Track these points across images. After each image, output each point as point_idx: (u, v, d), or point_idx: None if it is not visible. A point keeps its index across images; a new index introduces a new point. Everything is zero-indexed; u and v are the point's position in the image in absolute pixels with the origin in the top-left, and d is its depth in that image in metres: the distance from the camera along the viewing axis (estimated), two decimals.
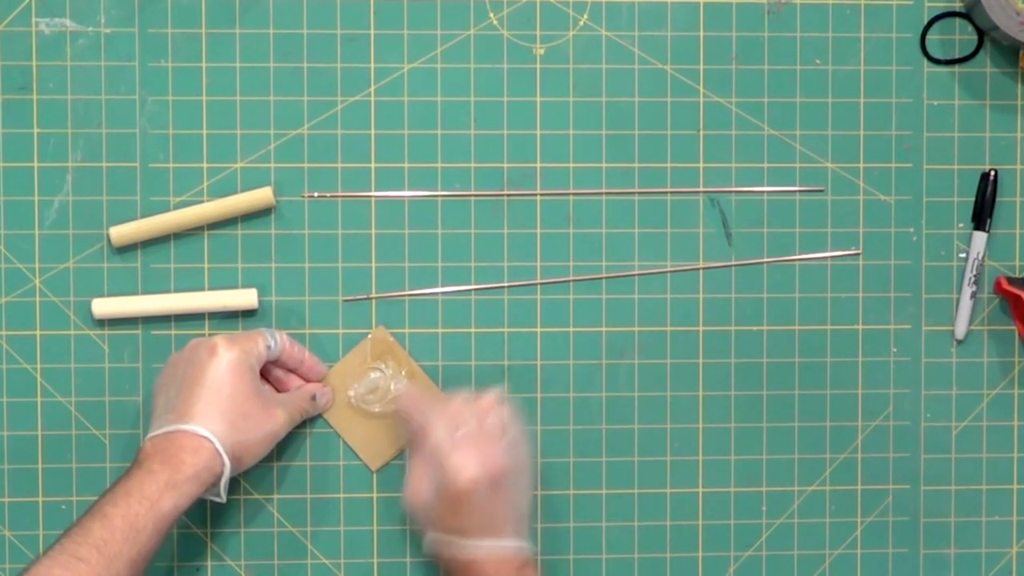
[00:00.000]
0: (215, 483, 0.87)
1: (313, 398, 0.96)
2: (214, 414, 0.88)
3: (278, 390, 0.97)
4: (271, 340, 0.93)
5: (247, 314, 0.97)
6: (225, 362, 0.89)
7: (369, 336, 0.98)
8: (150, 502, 0.84)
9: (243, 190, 0.97)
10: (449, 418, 0.91)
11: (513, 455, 0.91)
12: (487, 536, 0.89)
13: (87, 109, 0.97)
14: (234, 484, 0.97)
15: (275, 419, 0.91)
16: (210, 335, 0.95)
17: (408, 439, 0.95)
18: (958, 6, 1.00)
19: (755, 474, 1.01)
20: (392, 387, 0.98)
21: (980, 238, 1.00)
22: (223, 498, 0.89)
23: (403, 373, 0.98)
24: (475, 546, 0.89)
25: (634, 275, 1.00)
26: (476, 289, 0.99)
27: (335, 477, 0.98)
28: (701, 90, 1.00)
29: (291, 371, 0.97)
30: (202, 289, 0.97)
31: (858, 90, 1.00)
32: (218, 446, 0.87)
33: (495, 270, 0.99)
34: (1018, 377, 1.02)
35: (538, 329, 0.99)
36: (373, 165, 0.98)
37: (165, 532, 0.85)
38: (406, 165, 0.98)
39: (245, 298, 0.96)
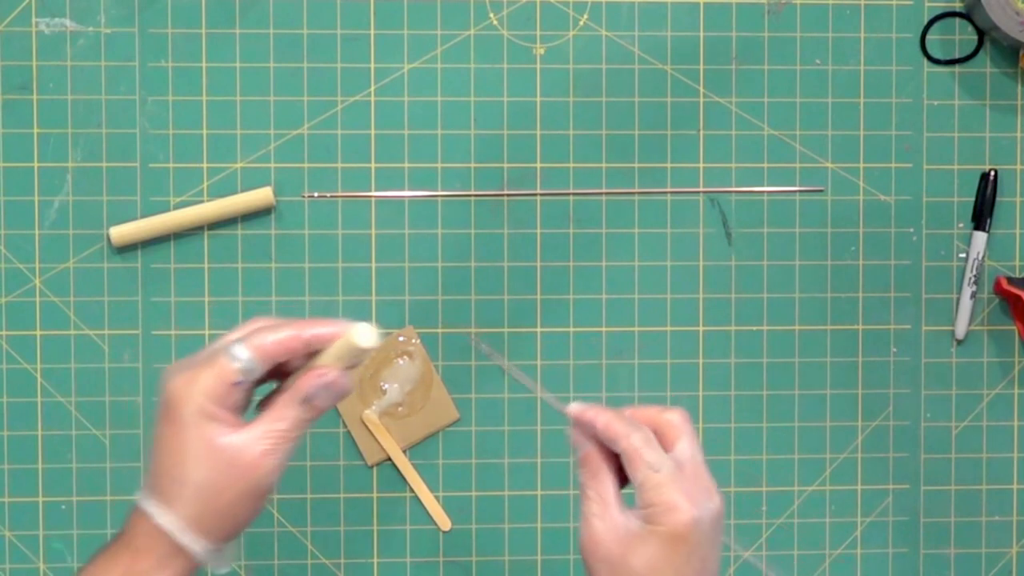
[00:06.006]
0: (200, 562, 0.71)
1: (308, 400, 0.72)
2: (173, 491, 0.70)
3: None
4: (238, 366, 0.70)
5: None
6: (172, 421, 0.71)
7: (395, 333, 0.98)
8: None
9: (243, 190, 0.97)
10: (653, 439, 0.72)
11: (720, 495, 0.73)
12: None
13: (87, 109, 0.97)
14: None
15: (245, 475, 0.71)
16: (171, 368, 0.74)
17: (580, 460, 0.73)
18: (958, 6, 1.00)
19: (755, 474, 1.01)
20: (406, 392, 0.98)
21: (980, 238, 1.00)
22: (224, 568, 0.73)
23: (419, 378, 0.98)
24: None
25: (634, 275, 1.00)
26: (476, 289, 0.99)
27: (335, 477, 0.98)
28: (701, 90, 1.00)
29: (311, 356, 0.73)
30: (202, 290, 0.97)
31: (858, 90, 1.00)
32: (178, 532, 0.70)
33: (495, 270, 0.99)
34: (1018, 377, 1.02)
35: (538, 329, 0.99)
36: (373, 165, 0.98)
37: None
38: (406, 165, 0.98)
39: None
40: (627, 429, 0.71)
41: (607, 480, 0.72)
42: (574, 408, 0.73)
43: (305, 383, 0.72)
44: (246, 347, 0.71)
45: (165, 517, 0.70)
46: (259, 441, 0.71)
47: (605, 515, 0.71)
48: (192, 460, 0.70)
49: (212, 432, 0.70)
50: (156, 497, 0.71)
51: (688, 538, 0.69)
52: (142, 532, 0.71)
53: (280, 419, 0.71)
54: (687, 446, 0.72)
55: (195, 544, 0.70)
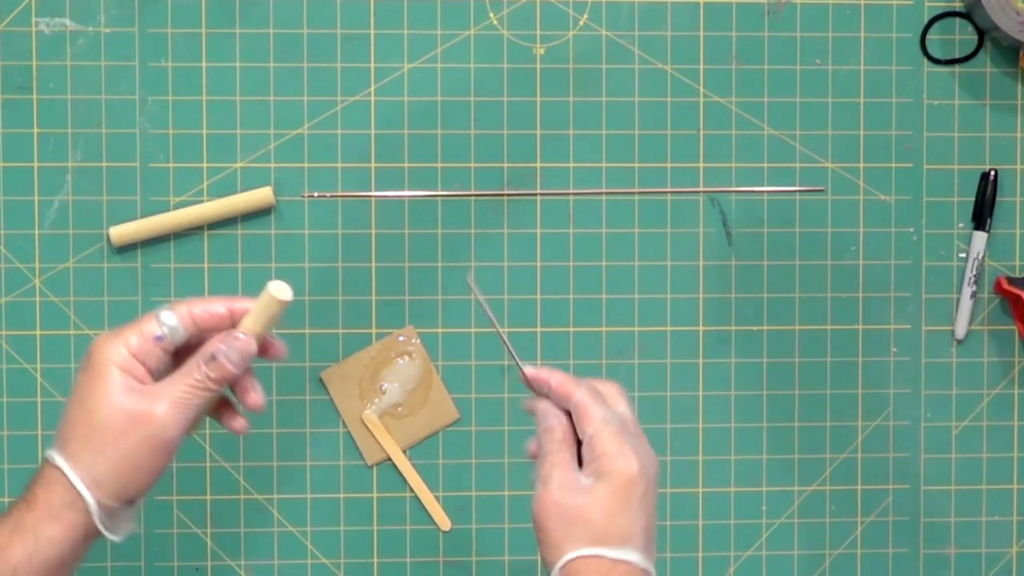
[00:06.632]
0: (94, 519, 0.72)
1: (212, 359, 0.74)
2: (73, 435, 0.72)
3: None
4: (162, 327, 0.74)
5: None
6: (86, 368, 0.74)
7: (395, 333, 0.98)
8: None
9: (243, 190, 0.97)
10: (601, 396, 0.77)
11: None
12: (645, 551, 0.74)
13: (87, 109, 0.97)
14: (234, 483, 0.97)
15: (143, 423, 0.72)
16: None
17: (548, 428, 0.76)
18: (958, 6, 1.00)
19: (755, 474, 1.01)
20: (407, 392, 0.98)
21: (980, 238, 1.00)
22: (115, 536, 0.74)
23: (419, 378, 0.98)
24: (626, 557, 0.73)
25: (634, 275, 1.00)
26: (475, 289, 0.99)
27: (335, 477, 0.98)
28: (701, 90, 1.00)
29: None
30: (202, 290, 0.97)
31: (858, 90, 1.00)
32: (70, 475, 0.72)
33: (495, 270, 0.99)
34: (1018, 377, 1.02)
35: (538, 329, 0.99)
36: (373, 165, 0.98)
37: None
38: (406, 165, 0.98)
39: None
40: (578, 385, 0.76)
41: (570, 446, 0.76)
42: (530, 370, 0.78)
43: (211, 343, 0.74)
44: (173, 311, 0.75)
45: (60, 459, 0.72)
46: (163, 394, 0.73)
47: (564, 475, 0.74)
48: (95, 406, 0.72)
49: (121, 382, 0.73)
50: (59, 444, 0.73)
51: (637, 484, 0.73)
52: (41, 482, 0.73)
53: (187, 375, 0.74)
54: (627, 408, 0.77)
55: (87, 493, 0.71)
